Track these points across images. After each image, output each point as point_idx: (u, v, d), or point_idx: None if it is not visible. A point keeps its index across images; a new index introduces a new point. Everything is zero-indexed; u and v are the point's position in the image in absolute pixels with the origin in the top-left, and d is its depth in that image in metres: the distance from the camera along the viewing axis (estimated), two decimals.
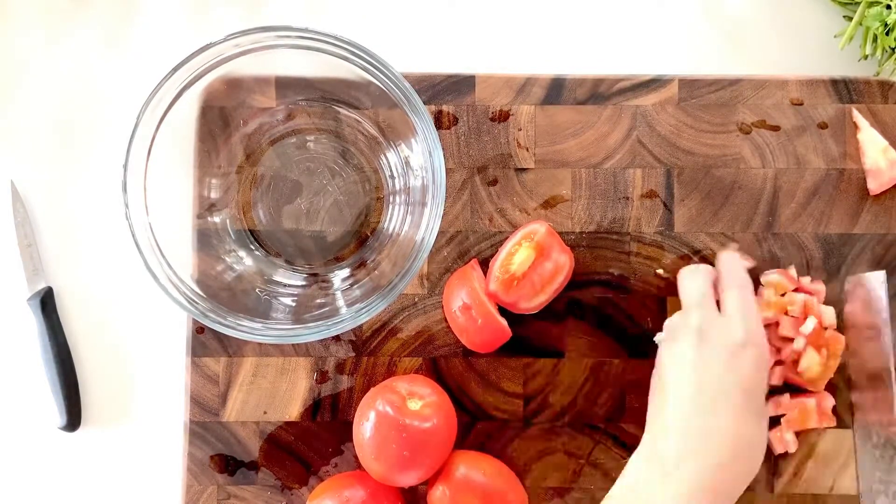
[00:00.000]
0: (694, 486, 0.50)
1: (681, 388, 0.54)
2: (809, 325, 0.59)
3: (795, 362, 0.60)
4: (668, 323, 0.58)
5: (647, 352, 0.62)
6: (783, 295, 0.61)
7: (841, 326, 0.62)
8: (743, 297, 0.56)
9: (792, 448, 0.61)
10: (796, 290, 0.61)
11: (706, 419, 0.52)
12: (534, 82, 0.64)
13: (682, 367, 0.54)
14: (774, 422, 0.61)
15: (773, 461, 0.62)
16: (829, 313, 0.61)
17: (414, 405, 0.58)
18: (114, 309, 0.65)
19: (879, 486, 0.60)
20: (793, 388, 0.61)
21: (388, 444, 0.56)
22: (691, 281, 0.58)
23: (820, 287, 0.62)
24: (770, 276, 0.61)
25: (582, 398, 0.62)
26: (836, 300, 0.63)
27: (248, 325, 0.54)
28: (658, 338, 0.60)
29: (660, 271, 0.63)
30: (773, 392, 0.61)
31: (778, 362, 0.61)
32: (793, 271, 0.62)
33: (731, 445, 0.52)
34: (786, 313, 0.60)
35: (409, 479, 0.58)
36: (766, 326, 0.61)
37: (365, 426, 0.57)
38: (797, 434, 0.61)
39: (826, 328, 0.61)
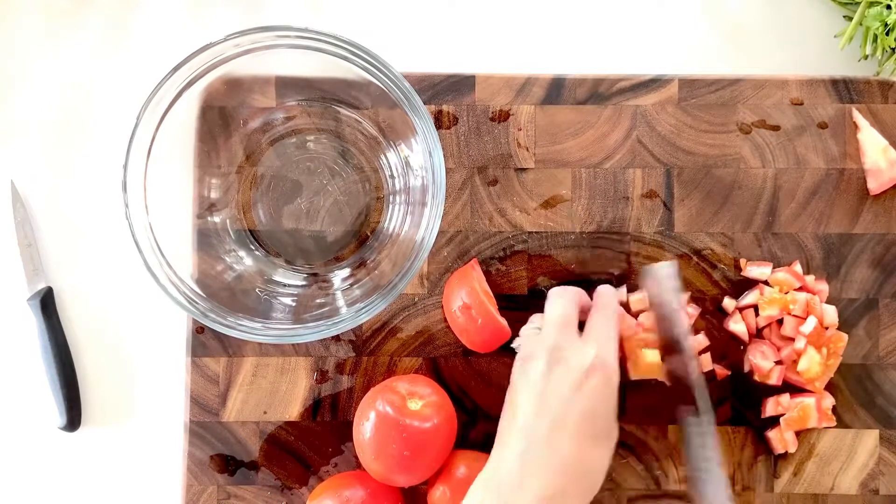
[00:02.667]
0: None
1: (526, 411, 0.53)
2: (810, 324, 0.59)
3: (795, 362, 0.60)
4: (523, 331, 0.58)
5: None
6: (787, 293, 0.61)
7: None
8: (604, 324, 0.56)
9: (792, 448, 0.61)
10: (800, 288, 0.61)
11: (546, 446, 0.51)
12: (534, 82, 0.64)
13: (531, 387, 0.53)
14: (774, 421, 0.62)
15: (773, 461, 0.62)
16: (830, 312, 0.61)
17: (414, 405, 0.58)
18: (114, 309, 0.65)
19: (702, 465, 0.57)
20: (793, 388, 0.61)
21: (388, 445, 0.56)
22: (557, 300, 0.57)
23: (823, 286, 0.62)
24: (777, 275, 0.61)
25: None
26: (837, 299, 0.63)
27: (248, 325, 0.54)
28: (515, 343, 0.60)
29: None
30: (773, 392, 0.61)
31: (777, 362, 0.61)
32: (798, 268, 0.62)
33: (570, 473, 0.51)
34: (788, 312, 0.60)
35: (409, 479, 0.58)
36: (767, 326, 0.61)
37: (365, 426, 0.57)
38: (797, 434, 0.61)
39: (827, 328, 0.61)
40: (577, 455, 0.51)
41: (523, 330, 0.60)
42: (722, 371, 0.62)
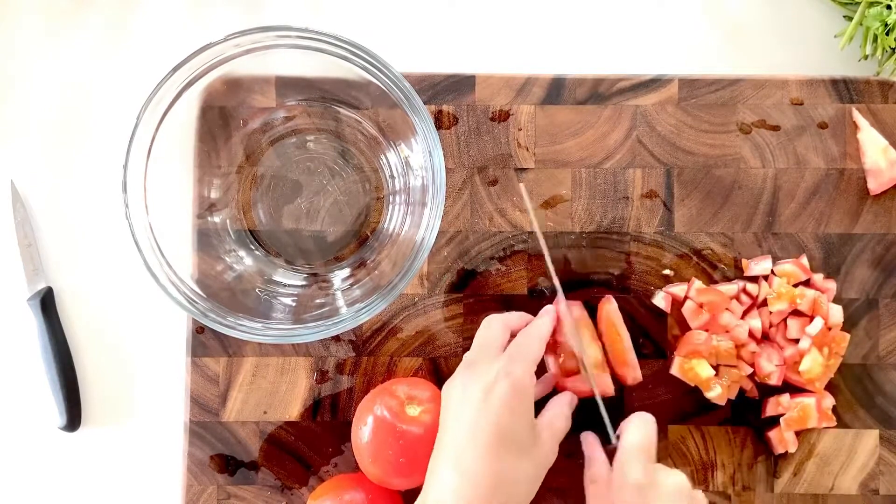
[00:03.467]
0: None
1: (447, 428, 0.54)
2: (816, 325, 0.59)
3: (797, 363, 0.60)
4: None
5: (646, 352, 0.62)
6: (795, 286, 0.61)
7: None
8: (524, 341, 0.56)
9: (792, 448, 0.61)
10: (807, 283, 0.61)
11: (462, 461, 0.52)
12: (534, 82, 0.64)
13: (449, 407, 0.55)
14: (774, 421, 0.61)
15: (773, 461, 0.62)
16: (836, 312, 0.61)
17: (413, 411, 0.57)
18: (114, 309, 0.65)
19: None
20: (792, 388, 0.61)
21: (385, 450, 0.56)
22: (485, 326, 0.58)
23: (831, 285, 0.62)
24: (783, 266, 0.61)
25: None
26: (837, 299, 0.63)
27: (248, 325, 0.54)
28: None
29: (666, 272, 0.63)
30: (773, 392, 0.61)
31: (780, 364, 0.61)
32: (805, 261, 0.62)
33: (486, 485, 0.51)
34: (796, 310, 0.60)
35: (405, 483, 0.58)
36: (771, 326, 0.61)
37: (363, 430, 0.57)
38: (797, 434, 0.61)
39: (831, 328, 0.61)
40: (492, 469, 0.51)
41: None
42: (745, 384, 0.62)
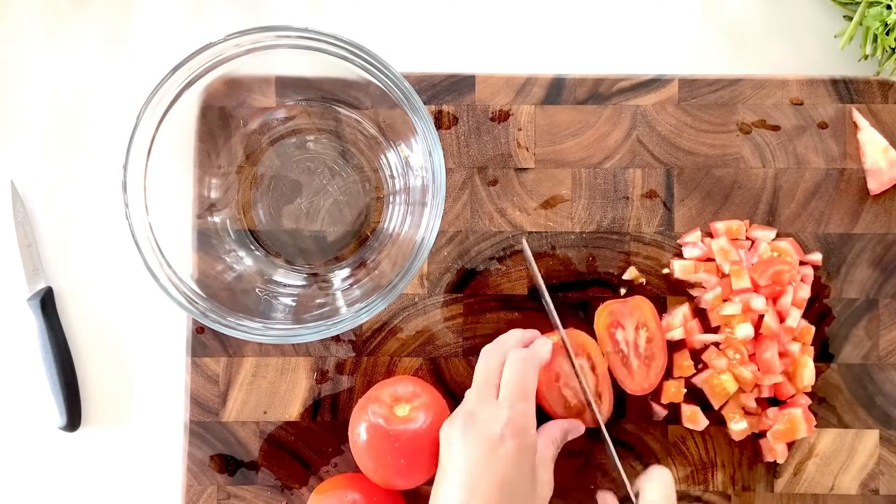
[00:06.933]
0: None
1: (447, 475, 0.53)
2: (794, 317, 0.60)
3: (790, 376, 0.60)
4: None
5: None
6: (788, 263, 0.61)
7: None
8: (519, 380, 0.54)
9: (781, 459, 0.61)
10: (802, 263, 0.62)
11: None
12: (534, 82, 0.64)
13: (450, 454, 0.53)
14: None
15: (773, 461, 0.62)
16: (794, 315, 0.60)
17: (402, 410, 0.57)
18: (114, 309, 0.65)
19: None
20: (774, 401, 0.62)
21: (384, 456, 0.56)
22: (483, 360, 0.57)
23: (808, 271, 0.62)
24: (780, 243, 0.61)
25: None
26: (837, 299, 0.63)
27: (248, 325, 0.54)
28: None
29: (666, 271, 0.63)
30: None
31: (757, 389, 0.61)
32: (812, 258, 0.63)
33: None
34: (781, 286, 0.60)
35: (409, 482, 0.58)
36: (756, 336, 0.61)
37: (360, 442, 0.57)
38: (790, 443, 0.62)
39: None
40: None
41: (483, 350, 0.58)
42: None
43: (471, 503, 0.51)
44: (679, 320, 0.61)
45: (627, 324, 0.61)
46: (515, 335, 0.59)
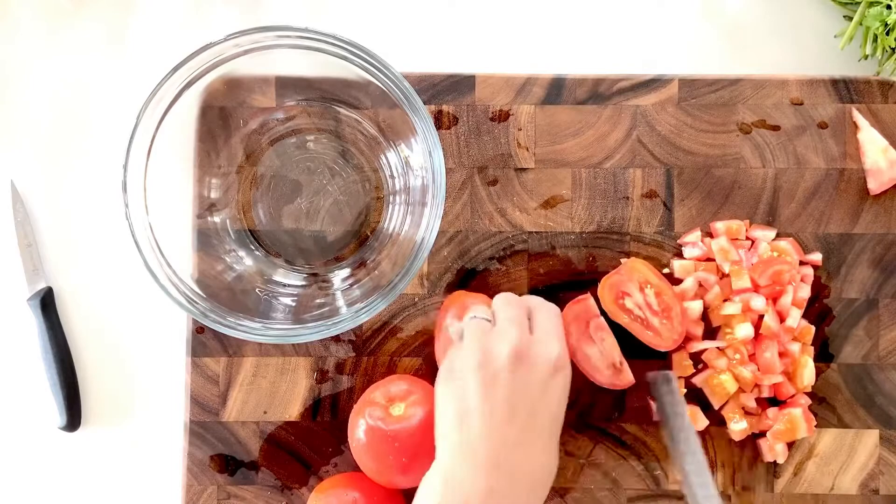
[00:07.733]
0: None
1: (491, 413, 0.49)
2: (795, 317, 0.60)
3: (790, 376, 0.60)
4: (466, 320, 0.54)
5: (647, 352, 0.62)
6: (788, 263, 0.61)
7: None
8: (555, 321, 0.54)
9: (781, 459, 0.61)
10: (802, 263, 0.62)
11: (517, 452, 0.48)
12: (534, 82, 0.64)
13: (492, 387, 0.50)
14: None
15: (773, 461, 0.62)
16: (804, 290, 0.61)
17: (397, 410, 0.58)
18: (114, 309, 0.65)
19: (676, 421, 0.58)
20: (774, 401, 0.62)
21: (386, 457, 0.56)
22: (506, 303, 0.54)
23: (808, 271, 0.62)
24: (780, 243, 0.61)
25: (582, 397, 0.62)
26: (837, 299, 0.63)
27: (248, 325, 0.54)
28: (452, 328, 0.55)
29: (666, 270, 0.63)
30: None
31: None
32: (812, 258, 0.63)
33: (536, 479, 0.49)
34: (781, 285, 0.60)
35: (415, 479, 0.58)
36: (755, 338, 0.61)
37: (359, 446, 0.57)
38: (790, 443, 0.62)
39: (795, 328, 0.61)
40: (543, 461, 0.50)
41: (466, 319, 0.55)
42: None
43: (528, 434, 0.49)
44: (692, 285, 0.61)
45: (631, 289, 0.60)
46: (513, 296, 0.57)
